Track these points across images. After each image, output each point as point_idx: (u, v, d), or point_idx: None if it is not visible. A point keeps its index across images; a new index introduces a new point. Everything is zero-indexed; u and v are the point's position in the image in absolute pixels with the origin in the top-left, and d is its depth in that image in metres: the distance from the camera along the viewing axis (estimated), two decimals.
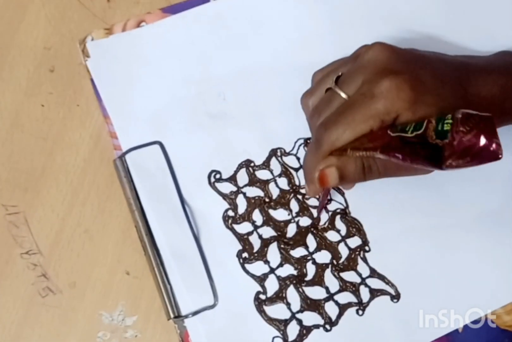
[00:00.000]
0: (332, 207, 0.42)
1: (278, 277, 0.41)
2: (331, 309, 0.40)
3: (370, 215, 0.42)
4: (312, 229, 0.42)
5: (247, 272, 0.41)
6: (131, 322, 0.41)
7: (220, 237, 0.42)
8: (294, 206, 0.42)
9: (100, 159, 0.43)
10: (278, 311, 0.40)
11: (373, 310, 0.40)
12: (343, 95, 0.35)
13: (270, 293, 0.41)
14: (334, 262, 0.41)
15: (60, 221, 0.42)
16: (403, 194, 0.42)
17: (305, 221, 0.42)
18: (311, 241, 0.42)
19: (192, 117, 0.44)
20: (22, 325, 0.41)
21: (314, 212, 0.42)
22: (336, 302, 0.40)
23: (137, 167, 0.43)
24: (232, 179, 0.43)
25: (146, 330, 0.41)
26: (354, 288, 0.41)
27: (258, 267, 0.41)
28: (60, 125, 0.44)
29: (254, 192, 0.43)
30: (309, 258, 0.41)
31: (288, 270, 0.41)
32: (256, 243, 0.42)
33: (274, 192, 0.43)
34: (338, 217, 0.42)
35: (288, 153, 0.43)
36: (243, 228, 0.42)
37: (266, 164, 0.43)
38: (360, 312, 0.40)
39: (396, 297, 0.41)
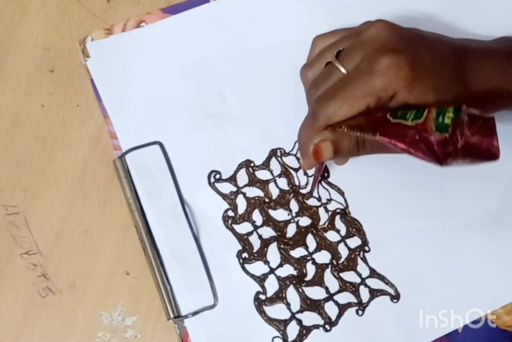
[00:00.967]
0: (332, 207, 0.42)
1: (278, 277, 0.41)
2: (331, 309, 0.40)
3: (370, 215, 0.42)
4: (312, 229, 0.42)
5: (247, 272, 0.41)
6: (131, 322, 0.41)
7: (220, 237, 0.42)
8: (294, 206, 0.42)
9: (100, 159, 0.43)
10: (278, 311, 0.40)
11: (373, 310, 0.40)
12: (343, 70, 0.35)
13: (270, 293, 0.41)
14: (334, 262, 0.41)
15: (60, 221, 0.42)
16: (403, 194, 0.42)
17: (305, 221, 0.42)
18: (311, 241, 0.42)
19: (192, 118, 0.44)
20: (22, 325, 0.41)
21: (318, 213, 0.42)
22: (336, 302, 0.40)
23: (137, 168, 0.43)
24: (232, 179, 0.43)
25: (146, 330, 0.41)
26: (354, 288, 0.41)
27: (258, 267, 0.41)
28: (60, 125, 0.44)
29: (254, 192, 0.43)
30: (309, 258, 0.41)
31: (288, 270, 0.41)
32: (256, 243, 0.42)
33: (274, 192, 0.43)
34: (338, 217, 0.42)
35: (288, 154, 0.43)
36: (243, 228, 0.42)
37: (266, 165, 0.43)
38: (360, 312, 0.40)
39: (396, 297, 0.41)
